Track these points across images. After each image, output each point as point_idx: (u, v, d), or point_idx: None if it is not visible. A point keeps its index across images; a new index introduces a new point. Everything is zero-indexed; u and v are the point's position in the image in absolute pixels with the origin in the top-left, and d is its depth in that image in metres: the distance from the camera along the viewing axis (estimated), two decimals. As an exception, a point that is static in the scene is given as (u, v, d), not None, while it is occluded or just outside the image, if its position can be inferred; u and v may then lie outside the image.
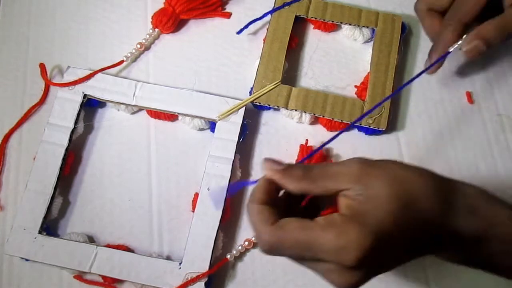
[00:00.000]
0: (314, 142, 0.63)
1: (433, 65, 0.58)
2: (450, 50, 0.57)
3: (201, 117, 0.61)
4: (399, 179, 0.41)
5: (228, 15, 0.69)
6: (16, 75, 0.66)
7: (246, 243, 0.58)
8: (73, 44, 0.68)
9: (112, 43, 0.68)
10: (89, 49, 0.68)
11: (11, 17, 0.69)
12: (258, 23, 0.67)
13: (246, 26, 0.66)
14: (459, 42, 0.56)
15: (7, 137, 0.63)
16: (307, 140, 0.62)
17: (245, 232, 0.60)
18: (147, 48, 0.68)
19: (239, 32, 0.66)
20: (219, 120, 0.61)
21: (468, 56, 0.56)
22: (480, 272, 0.46)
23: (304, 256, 0.40)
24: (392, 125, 0.64)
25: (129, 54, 0.66)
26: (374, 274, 0.41)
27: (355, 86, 0.65)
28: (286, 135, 0.64)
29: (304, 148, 0.62)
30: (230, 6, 0.70)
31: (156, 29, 0.67)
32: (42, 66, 0.65)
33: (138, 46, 0.66)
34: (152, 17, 0.67)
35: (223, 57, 0.67)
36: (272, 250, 0.41)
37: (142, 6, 0.70)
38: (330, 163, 0.44)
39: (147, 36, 0.67)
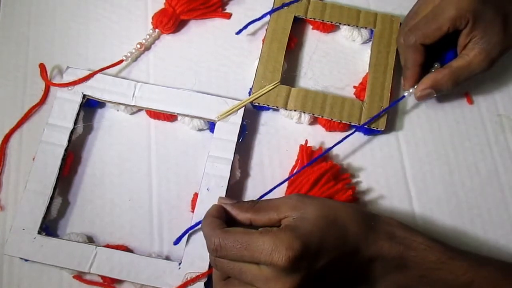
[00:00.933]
0: (314, 143, 0.63)
1: (395, 104, 0.64)
2: (405, 95, 0.63)
3: (200, 118, 0.62)
4: (328, 205, 0.49)
5: (228, 16, 0.69)
6: (16, 75, 0.66)
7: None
8: (73, 44, 0.68)
9: (112, 43, 0.68)
10: (89, 49, 0.68)
11: (11, 17, 0.69)
12: (258, 24, 0.67)
13: (245, 27, 0.66)
14: (415, 87, 0.62)
15: (7, 137, 0.63)
16: (306, 140, 0.62)
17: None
18: (147, 48, 0.68)
19: (238, 33, 0.66)
20: (218, 120, 0.61)
21: (419, 100, 0.63)
22: None
23: (243, 256, 0.46)
24: (392, 125, 0.64)
25: (129, 54, 0.66)
26: (310, 284, 0.47)
27: (354, 87, 0.65)
28: (285, 135, 0.64)
29: (304, 148, 0.62)
30: (230, 6, 0.70)
31: (157, 30, 0.67)
32: (42, 66, 0.65)
33: (138, 46, 0.66)
34: (153, 18, 0.67)
35: (223, 58, 0.67)
36: (217, 249, 0.47)
37: (142, 7, 0.70)
38: (273, 198, 0.52)
39: (147, 36, 0.67)
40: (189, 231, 0.56)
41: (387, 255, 0.49)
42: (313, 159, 0.60)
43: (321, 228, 0.47)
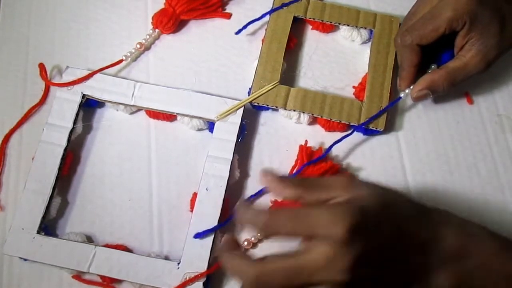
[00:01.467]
0: (313, 143, 0.63)
1: (392, 105, 0.63)
2: (401, 96, 0.63)
3: (199, 117, 0.61)
4: (380, 187, 0.46)
5: (228, 16, 0.69)
6: (16, 75, 0.66)
7: (245, 243, 0.58)
8: (73, 44, 0.68)
9: (112, 43, 0.68)
10: (89, 49, 0.68)
11: (11, 17, 0.69)
12: (257, 24, 0.67)
13: (245, 27, 0.66)
14: (411, 88, 0.62)
15: (7, 137, 0.63)
16: (306, 140, 0.62)
17: (244, 232, 0.59)
18: (147, 48, 0.68)
19: (237, 33, 0.66)
20: (217, 120, 0.61)
21: (415, 101, 0.63)
22: None
23: (298, 230, 0.42)
24: (391, 125, 0.64)
25: (128, 54, 0.66)
26: (366, 264, 0.42)
27: (353, 87, 0.65)
28: (285, 135, 0.64)
29: (303, 149, 0.61)
30: (230, 6, 0.70)
31: (157, 30, 0.67)
32: (42, 66, 0.65)
33: (138, 46, 0.66)
34: (153, 18, 0.67)
35: (223, 58, 0.67)
36: (267, 224, 0.43)
37: (142, 7, 0.70)
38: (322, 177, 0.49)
39: (147, 36, 0.67)
40: (218, 228, 0.57)
41: (443, 240, 0.45)
42: (312, 160, 0.60)
43: (375, 206, 0.43)
